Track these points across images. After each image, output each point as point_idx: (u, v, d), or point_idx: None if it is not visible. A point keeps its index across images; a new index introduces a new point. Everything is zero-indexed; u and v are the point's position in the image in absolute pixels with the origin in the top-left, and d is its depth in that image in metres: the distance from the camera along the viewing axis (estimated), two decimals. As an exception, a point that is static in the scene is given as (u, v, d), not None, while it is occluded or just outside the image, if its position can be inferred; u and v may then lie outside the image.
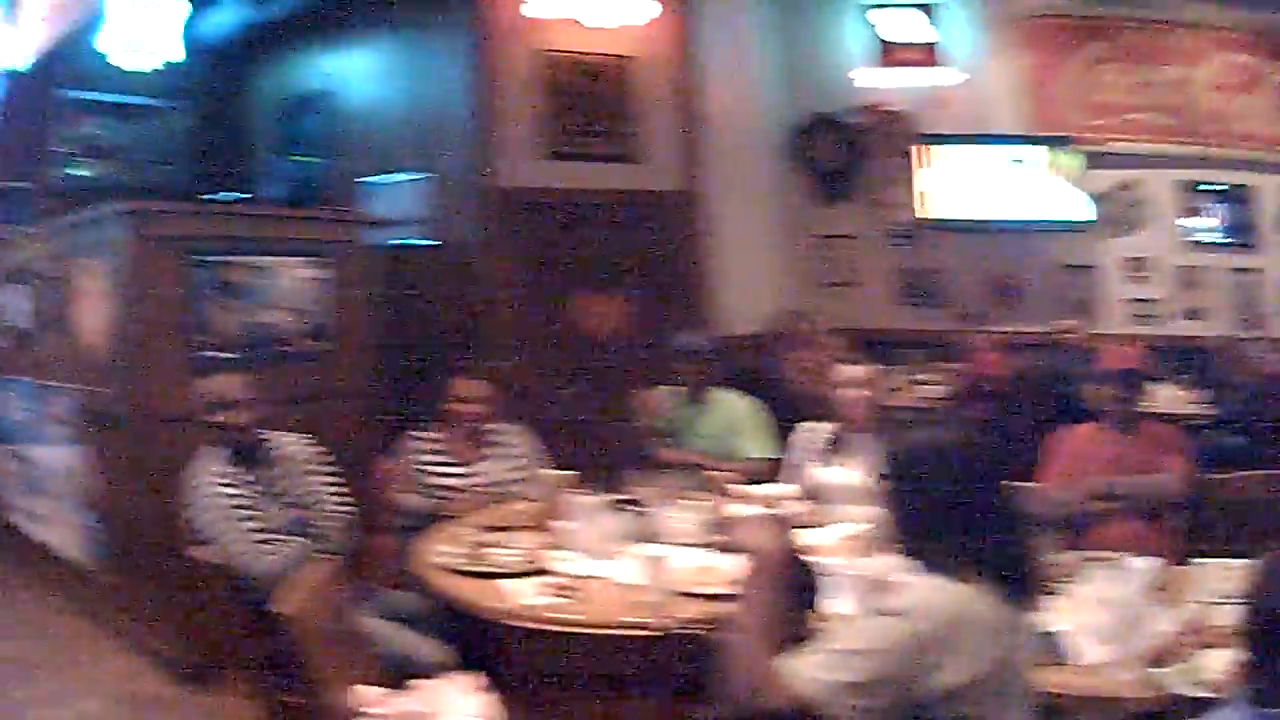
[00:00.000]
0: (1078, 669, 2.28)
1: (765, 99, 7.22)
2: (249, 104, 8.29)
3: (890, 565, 2.39)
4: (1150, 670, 2.24)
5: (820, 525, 3.42)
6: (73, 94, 7.28)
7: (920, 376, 6.36)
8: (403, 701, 2.45)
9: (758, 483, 4.01)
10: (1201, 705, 2.00)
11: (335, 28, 7.11)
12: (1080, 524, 3.45)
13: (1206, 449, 4.26)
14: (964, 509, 1.93)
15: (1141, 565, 2.69)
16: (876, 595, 2.37)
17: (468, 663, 2.85)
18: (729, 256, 6.76)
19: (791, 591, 2.08)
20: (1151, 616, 2.40)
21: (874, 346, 5.82)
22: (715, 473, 4.04)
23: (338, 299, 5.24)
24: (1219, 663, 2.16)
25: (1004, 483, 2.02)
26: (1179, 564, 2.88)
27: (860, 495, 3.37)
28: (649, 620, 2.65)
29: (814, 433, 4.06)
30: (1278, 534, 3.01)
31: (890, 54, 6.66)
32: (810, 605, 2.26)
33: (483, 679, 2.50)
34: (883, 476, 2.06)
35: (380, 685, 2.54)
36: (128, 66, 5.40)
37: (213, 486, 3.53)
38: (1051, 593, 2.07)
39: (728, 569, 2.71)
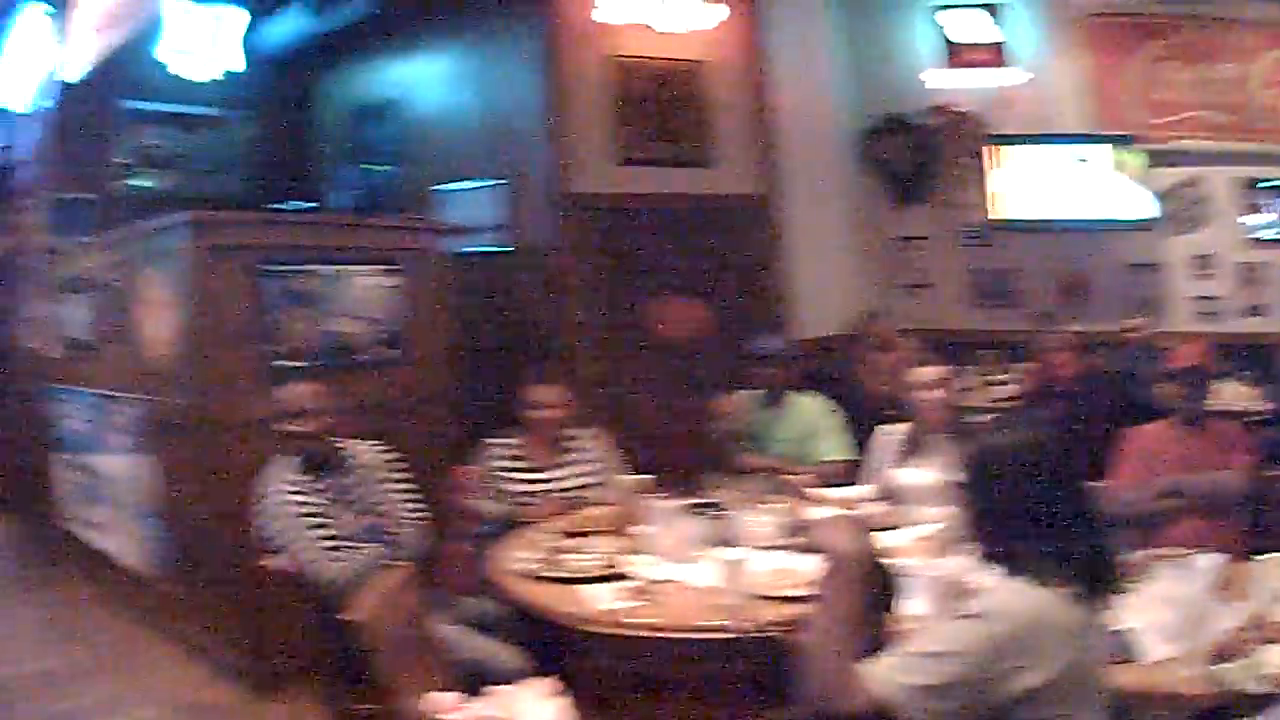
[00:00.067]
0: (1144, 667, 2.31)
1: (835, 101, 7.29)
2: (315, 113, 8.40)
3: (966, 566, 2.45)
4: (1213, 667, 2.26)
5: (897, 527, 3.46)
6: (132, 104, 7.38)
7: (993, 377, 6.41)
8: (476, 707, 2.48)
9: (835, 485, 4.07)
10: (1264, 701, 2.06)
11: (403, 36, 7.21)
12: (1149, 522, 3.48)
13: (1269, 445, 4.26)
14: (1044, 510, 1.95)
15: (1206, 562, 2.72)
16: (952, 596, 2.44)
17: (544, 668, 2.90)
18: (803, 259, 6.84)
19: (869, 593, 2.09)
20: (1215, 613, 2.44)
21: (947, 347, 5.92)
22: (793, 476, 4.11)
23: (411, 306, 5.33)
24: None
25: (1082, 483, 2.04)
26: (1242, 560, 2.89)
27: (935, 496, 3.42)
28: (726, 624, 2.69)
29: (891, 434, 4.11)
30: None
31: (957, 55, 6.68)
32: (888, 607, 2.28)
33: (557, 684, 2.54)
34: (961, 480, 2.08)
35: (455, 692, 2.58)
36: (187, 77, 5.53)
37: (285, 494, 3.62)
38: (1123, 592, 2.08)
39: (805, 571, 2.72)
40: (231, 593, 4.72)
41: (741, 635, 2.67)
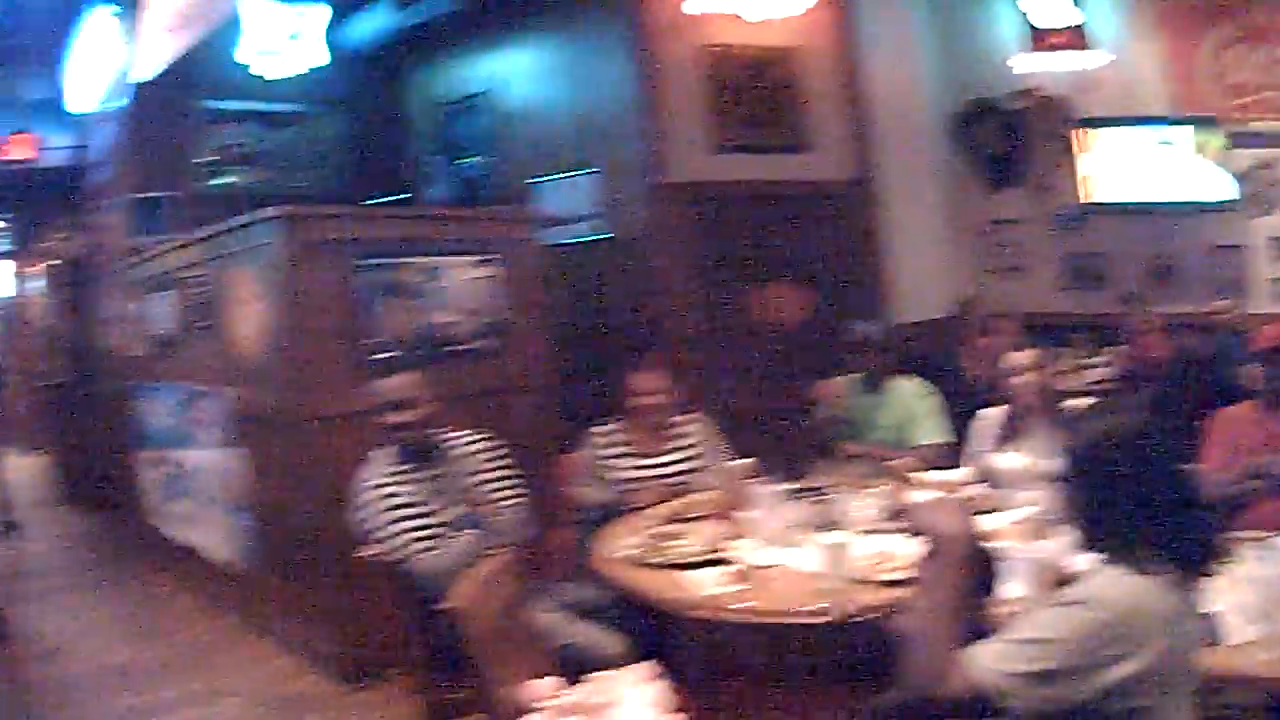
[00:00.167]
0: (1225, 650, 2.33)
1: (926, 85, 7.44)
2: (402, 107, 8.57)
3: (1062, 549, 2.54)
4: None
5: (995, 510, 3.49)
6: (213, 103, 7.63)
7: (1086, 361, 6.45)
8: (576, 693, 2.52)
9: (935, 469, 4.15)
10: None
11: (491, 29, 7.39)
12: (1237, 505, 3.49)
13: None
14: (1147, 497, 1.98)
15: (1289, 544, 2.72)
16: (1049, 580, 2.51)
17: (645, 654, 2.95)
18: (899, 244, 7.01)
19: (971, 577, 2.13)
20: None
21: (1041, 331, 6.00)
22: (893, 461, 4.20)
23: (510, 296, 5.47)
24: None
25: (1182, 467, 2.07)
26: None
27: (1032, 479, 3.49)
28: (828, 608, 2.75)
29: (989, 418, 4.18)
30: None
31: (1040, 39, 6.74)
32: (987, 591, 2.34)
33: (656, 668, 2.60)
34: (1064, 467, 2.10)
35: (555, 678, 2.62)
36: (268, 75, 5.70)
37: (384, 485, 3.72)
38: (1214, 575, 2.09)
39: (907, 555, 2.80)
40: (323, 584, 4.85)
41: (843, 620, 2.72)
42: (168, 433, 6.56)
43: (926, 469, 4.15)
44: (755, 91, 6.57)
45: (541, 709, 2.46)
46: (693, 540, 3.44)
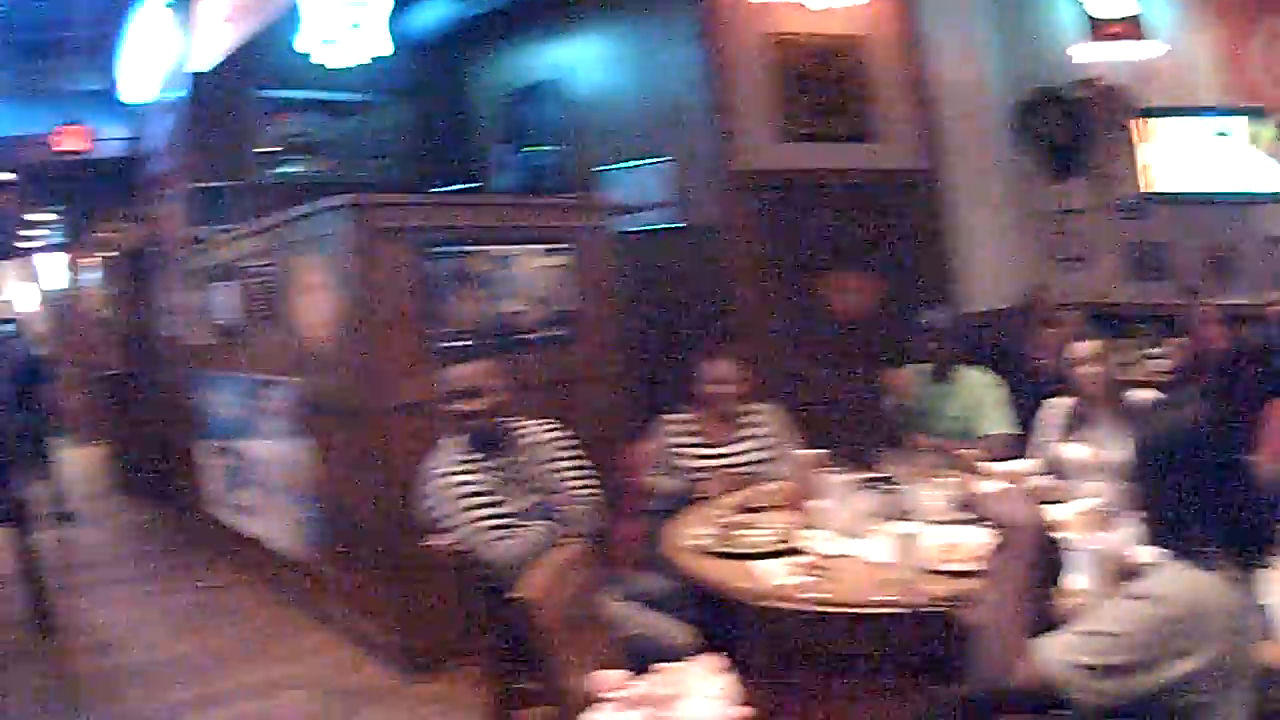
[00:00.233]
0: (1278, 643, 2.31)
1: (988, 75, 7.51)
2: (467, 96, 8.69)
3: (1126, 540, 2.60)
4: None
5: (1061, 501, 3.51)
6: (274, 93, 7.75)
7: (1150, 351, 6.50)
8: (644, 684, 2.52)
9: (1002, 459, 4.20)
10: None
11: (557, 17, 7.51)
12: None
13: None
14: (1214, 491, 2.03)
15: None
16: (1115, 572, 2.55)
17: (715, 644, 2.98)
18: (965, 233, 7.11)
19: (1039, 568, 2.18)
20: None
21: (1105, 321, 6.11)
22: (961, 451, 4.25)
23: (580, 285, 5.58)
24: None
25: (1246, 461, 2.12)
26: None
27: (1097, 470, 3.54)
28: (899, 599, 2.80)
29: (1056, 409, 4.24)
30: None
31: (1098, 28, 6.77)
32: (1054, 581, 2.41)
33: (727, 660, 2.61)
34: (1132, 462, 2.15)
35: (624, 669, 2.62)
36: (330, 65, 5.71)
37: (453, 474, 3.78)
38: (1271, 567, 2.12)
39: (977, 546, 2.85)
40: (387, 575, 4.96)
41: (913, 610, 2.76)
42: (229, 423, 6.71)
43: (992, 459, 4.20)
44: (821, 80, 6.67)
45: (609, 700, 2.46)
46: (763, 530, 3.50)
